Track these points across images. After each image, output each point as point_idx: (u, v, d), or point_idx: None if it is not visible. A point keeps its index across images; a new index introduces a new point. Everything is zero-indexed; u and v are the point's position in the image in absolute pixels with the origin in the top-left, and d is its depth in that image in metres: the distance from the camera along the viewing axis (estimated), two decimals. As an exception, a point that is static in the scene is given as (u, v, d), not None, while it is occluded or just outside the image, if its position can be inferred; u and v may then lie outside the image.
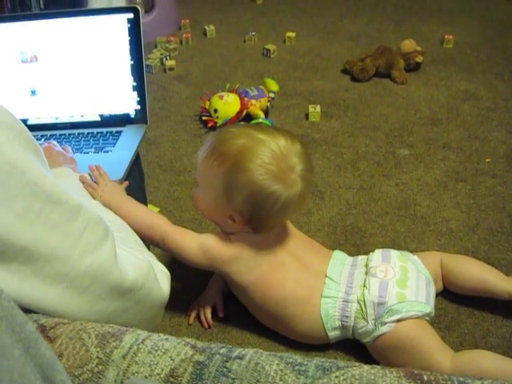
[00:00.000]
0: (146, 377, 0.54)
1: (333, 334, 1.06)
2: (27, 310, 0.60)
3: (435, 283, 1.12)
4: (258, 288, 1.05)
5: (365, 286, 1.04)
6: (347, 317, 1.03)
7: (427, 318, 1.03)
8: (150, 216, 1.05)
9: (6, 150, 0.56)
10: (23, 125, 0.61)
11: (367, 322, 1.02)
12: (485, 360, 0.98)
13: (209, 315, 1.16)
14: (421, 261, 1.12)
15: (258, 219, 0.99)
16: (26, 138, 0.60)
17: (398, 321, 1.00)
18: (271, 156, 0.94)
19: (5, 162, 0.55)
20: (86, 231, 0.64)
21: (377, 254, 1.11)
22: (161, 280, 0.81)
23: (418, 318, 1.01)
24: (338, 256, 1.13)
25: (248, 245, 1.04)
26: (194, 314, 1.17)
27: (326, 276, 1.07)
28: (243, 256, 1.03)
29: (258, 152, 0.94)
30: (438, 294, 1.16)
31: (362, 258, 1.12)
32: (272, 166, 0.94)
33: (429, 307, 1.03)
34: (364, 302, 1.02)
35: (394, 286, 1.02)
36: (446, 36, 2.31)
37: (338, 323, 1.05)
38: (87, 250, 0.64)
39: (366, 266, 1.08)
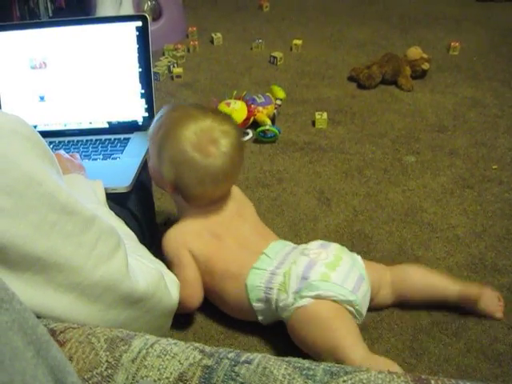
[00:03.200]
0: (155, 380, 0.54)
1: (257, 306, 1.08)
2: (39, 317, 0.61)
3: (376, 292, 1.13)
4: (200, 260, 1.12)
5: (294, 262, 1.07)
6: (271, 288, 1.06)
7: (350, 309, 1.03)
8: None
9: (24, 161, 0.56)
10: (39, 135, 0.61)
11: (287, 294, 1.04)
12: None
13: None
14: (364, 266, 1.13)
15: (183, 186, 1.10)
16: (42, 148, 0.61)
17: (317, 298, 1.02)
18: (196, 128, 1.07)
19: (23, 174, 0.56)
20: (100, 242, 0.65)
21: (317, 242, 1.14)
22: (170, 288, 0.82)
23: (338, 303, 1.02)
24: (282, 241, 1.18)
25: (193, 219, 1.14)
26: None
27: (263, 253, 1.11)
28: (193, 230, 1.13)
29: (186, 124, 1.07)
30: (442, 304, 1.15)
31: (305, 245, 1.15)
32: (195, 136, 1.06)
33: (354, 296, 1.03)
34: (289, 275, 1.05)
35: (321, 265, 1.05)
36: (453, 43, 2.32)
37: (262, 294, 1.07)
38: (100, 261, 0.65)
39: (305, 248, 1.12)
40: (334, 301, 1.02)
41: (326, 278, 1.03)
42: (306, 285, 1.02)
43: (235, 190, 1.21)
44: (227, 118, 1.14)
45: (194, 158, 1.06)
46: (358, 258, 1.13)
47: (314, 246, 1.12)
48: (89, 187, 1.02)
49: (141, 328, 0.74)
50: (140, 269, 0.75)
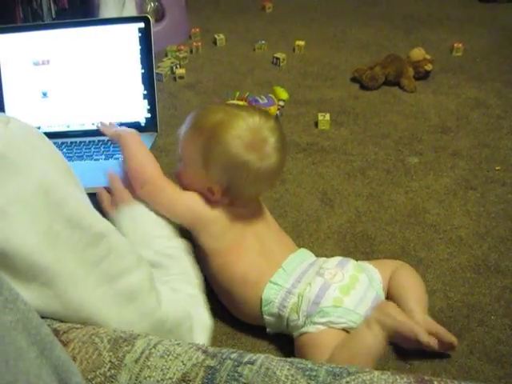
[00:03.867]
0: (158, 381, 0.55)
1: (268, 319, 1.08)
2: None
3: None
4: (217, 259, 1.09)
5: (309, 283, 1.06)
6: (284, 306, 1.05)
7: None
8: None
9: (34, 169, 0.56)
10: (53, 145, 0.61)
11: (299, 317, 1.03)
12: None
13: None
14: (378, 270, 1.12)
15: (235, 189, 1.06)
16: (55, 157, 0.60)
17: (328, 325, 1.01)
18: (245, 129, 1.02)
19: (31, 182, 0.56)
20: (106, 260, 0.63)
21: (334, 259, 1.13)
22: (196, 331, 0.79)
23: (348, 331, 1.01)
24: (301, 253, 1.15)
25: (224, 213, 1.09)
26: None
27: (280, 267, 1.09)
28: (218, 221, 1.08)
29: (234, 125, 1.02)
30: (446, 304, 1.15)
31: (323, 260, 1.13)
32: (246, 137, 1.01)
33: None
34: (302, 297, 1.04)
35: (335, 289, 1.03)
36: (456, 44, 2.32)
37: (275, 310, 1.07)
38: (103, 279, 0.63)
39: (321, 267, 1.10)
40: (345, 328, 1.01)
41: (338, 303, 1.02)
42: (318, 310, 1.02)
43: None
44: (268, 113, 1.12)
45: (250, 160, 1.02)
46: (376, 274, 1.12)
47: (331, 264, 1.10)
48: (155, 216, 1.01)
49: None
50: (167, 299, 0.73)
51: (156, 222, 1.00)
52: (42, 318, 0.49)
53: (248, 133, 1.02)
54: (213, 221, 1.08)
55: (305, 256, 1.15)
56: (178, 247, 1.01)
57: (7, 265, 0.56)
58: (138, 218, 1.00)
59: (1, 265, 0.56)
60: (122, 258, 0.66)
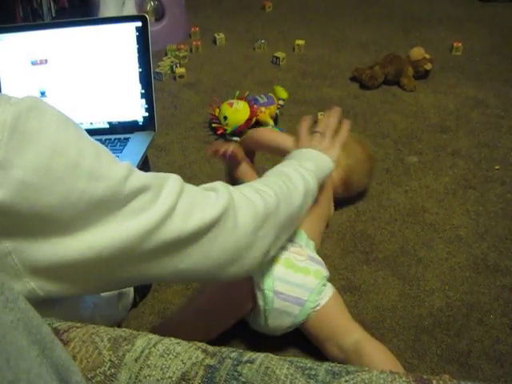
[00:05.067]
0: (157, 380, 0.55)
1: None
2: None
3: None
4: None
5: None
6: None
7: None
8: None
9: (45, 135, 0.57)
10: (53, 106, 0.61)
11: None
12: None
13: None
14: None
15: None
16: (60, 117, 0.61)
17: None
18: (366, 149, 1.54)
19: (45, 147, 0.56)
20: (132, 199, 0.64)
21: None
22: (241, 218, 0.77)
23: None
24: None
25: None
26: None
27: None
28: None
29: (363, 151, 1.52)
30: (445, 304, 1.15)
31: None
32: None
33: None
34: None
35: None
36: (455, 43, 2.32)
37: None
38: (131, 215, 0.64)
39: None
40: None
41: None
42: None
43: None
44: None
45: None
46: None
47: None
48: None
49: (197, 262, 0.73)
50: (200, 205, 0.73)
51: None
52: (43, 317, 0.50)
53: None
54: None
55: None
56: None
57: (27, 227, 0.57)
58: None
59: (26, 231, 0.57)
60: (145, 191, 0.65)
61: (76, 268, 0.62)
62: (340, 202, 1.45)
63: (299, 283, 1.07)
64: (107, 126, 1.35)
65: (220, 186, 0.80)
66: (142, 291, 1.22)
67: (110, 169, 0.62)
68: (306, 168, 1.01)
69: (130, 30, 1.29)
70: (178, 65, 2.25)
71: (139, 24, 1.28)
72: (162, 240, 0.67)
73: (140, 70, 1.31)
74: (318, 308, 1.07)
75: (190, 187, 0.76)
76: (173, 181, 0.73)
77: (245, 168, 1.32)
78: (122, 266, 0.66)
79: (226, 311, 1.11)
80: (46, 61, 1.32)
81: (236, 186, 0.84)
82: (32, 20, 2.41)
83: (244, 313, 1.11)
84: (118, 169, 0.64)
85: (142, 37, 1.29)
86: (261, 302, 1.06)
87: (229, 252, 0.76)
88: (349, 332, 1.05)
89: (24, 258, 0.58)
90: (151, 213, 0.65)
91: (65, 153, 0.58)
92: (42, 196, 0.56)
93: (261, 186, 0.87)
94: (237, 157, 1.28)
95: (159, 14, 2.45)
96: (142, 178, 0.66)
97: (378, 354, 1.00)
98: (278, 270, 1.06)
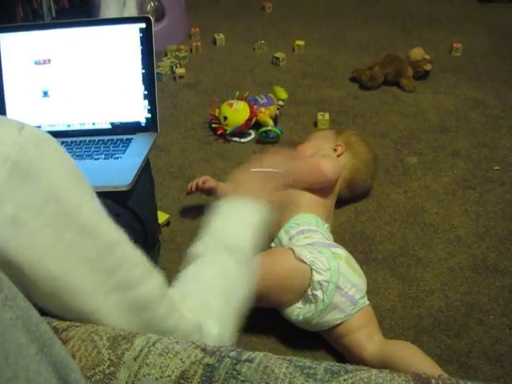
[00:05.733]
0: (156, 378, 0.55)
1: None
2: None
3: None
4: None
5: None
6: None
7: None
8: None
9: (46, 177, 0.55)
10: (64, 150, 0.60)
11: None
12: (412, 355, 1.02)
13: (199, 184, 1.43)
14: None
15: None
16: (67, 164, 0.59)
17: None
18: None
19: (43, 191, 0.55)
20: (119, 269, 0.62)
21: None
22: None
23: None
24: None
25: None
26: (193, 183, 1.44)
27: None
28: None
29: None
30: (444, 304, 1.15)
31: None
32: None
33: None
34: None
35: None
36: (455, 44, 2.32)
37: None
38: (116, 289, 0.62)
39: None
40: None
41: None
42: None
43: None
44: None
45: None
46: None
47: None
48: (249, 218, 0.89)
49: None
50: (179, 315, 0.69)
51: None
52: (42, 315, 0.50)
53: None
54: None
55: None
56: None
57: (15, 273, 0.55)
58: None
59: (9, 272, 0.55)
60: (135, 266, 0.64)
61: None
62: (339, 202, 1.45)
63: (355, 283, 1.11)
64: (110, 126, 1.35)
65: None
66: None
67: (104, 229, 0.61)
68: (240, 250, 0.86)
69: (133, 31, 1.29)
70: (178, 65, 2.25)
71: (143, 25, 1.28)
72: (141, 322, 0.65)
73: (143, 71, 1.31)
74: (362, 308, 1.11)
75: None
76: (159, 276, 0.69)
77: (223, 188, 1.38)
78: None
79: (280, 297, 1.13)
80: (50, 61, 1.32)
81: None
82: (32, 20, 2.41)
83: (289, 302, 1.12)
84: (112, 232, 0.62)
85: (146, 38, 1.29)
86: (319, 294, 1.08)
87: None
88: (378, 331, 1.10)
89: None
90: (140, 289, 0.64)
91: (62, 201, 0.57)
92: (29, 237, 0.55)
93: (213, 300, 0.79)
94: (209, 185, 1.43)
95: (159, 15, 2.45)
96: (134, 250, 0.65)
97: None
98: (342, 266, 1.11)
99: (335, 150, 1.44)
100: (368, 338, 1.07)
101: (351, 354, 1.08)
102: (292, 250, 1.13)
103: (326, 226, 1.27)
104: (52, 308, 0.60)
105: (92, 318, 0.61)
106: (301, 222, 1.23)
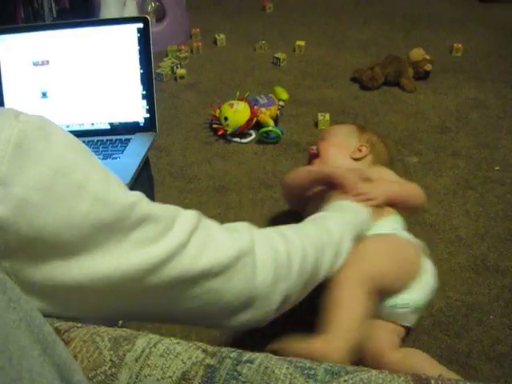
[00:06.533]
0: (158, 379, 0.55)
1: None
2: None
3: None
4: None
5: None
6: None
7: None
8: None
9: (49, 154, 0.56)
10: (63, 128, 0.60)
11: None
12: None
13: None
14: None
15: None
16: (69, 139, 0.59)
17: None
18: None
19: (48, 167, 0.56)
20: (139, 228, 0.62)
21: None
22: (260, 267, 0.72)
23: None
24: None
25: None
26: None
27: None
28: None
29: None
30: (445, 304, 1.16)
31: None
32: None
33: None
34: None
35: None
36: (455, 44, 2.32)
37: None
38: (137, 246, 0.61)
39: None
40: None
41: None
42: None
43: None
44: None
45: None
46: None
47: None
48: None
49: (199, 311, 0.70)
50: (215, 244, 0.69)
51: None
52: (44, 316, 0.50)
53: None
54: None
55: None
56: None
57: (28, 250, 0.56)
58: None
59: (27, 252, 0.56)
60: (155, 222, 0.63)
61: (71, 293, 0.60)
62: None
63: None
64: (108, 126, 1.35)
65: (243, 227, 0.76)
66: None
67: (118, 194, 0.61)
68: (348, 225, 0.97)
69: (131, 31, 1.29)
70: (178, 66, 2.26)
71: (141, 25, 1.29)
72: (168, 277, 0.63)
73: (141, 71, 1.31)
74: None
75: (207, 224, 0.72)
76: (187, 216, 0.70)
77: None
78: (121, 297, 0.63)
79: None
80: (48, 61, 1.33)
81: (263, 230, 0.79)
82: (33, 21, 2.41)
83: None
84: (127, 195, 0.62)
85: (144, 38, 1.29)
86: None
87: (242, 299, 0.72)
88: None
89: (20, 278, 0.56)
90: (160, 246, 0.63)
91: (69, 174, 0.57)
92: (42, 215, 0.55)
93: (292, 233, 0.82)
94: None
95: (160, 15, 2.45)
96: (152, 207, 0.64)
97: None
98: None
99: (360, 151, 1.36)
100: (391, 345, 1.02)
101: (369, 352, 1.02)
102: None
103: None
104: (66, 282, 0.60)
105: (112, 277, 0.61)
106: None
